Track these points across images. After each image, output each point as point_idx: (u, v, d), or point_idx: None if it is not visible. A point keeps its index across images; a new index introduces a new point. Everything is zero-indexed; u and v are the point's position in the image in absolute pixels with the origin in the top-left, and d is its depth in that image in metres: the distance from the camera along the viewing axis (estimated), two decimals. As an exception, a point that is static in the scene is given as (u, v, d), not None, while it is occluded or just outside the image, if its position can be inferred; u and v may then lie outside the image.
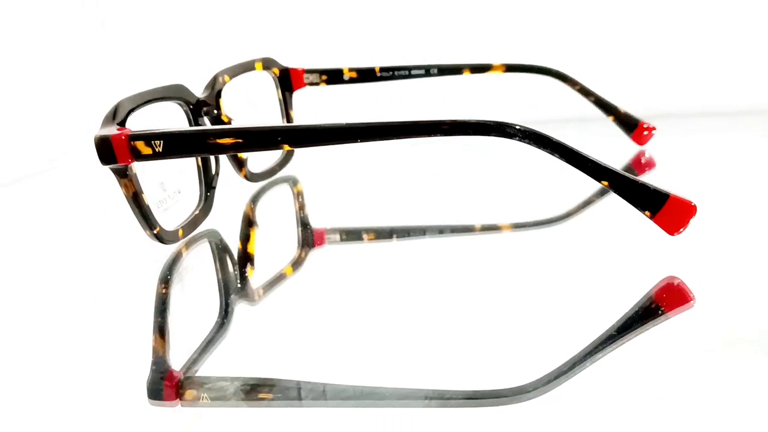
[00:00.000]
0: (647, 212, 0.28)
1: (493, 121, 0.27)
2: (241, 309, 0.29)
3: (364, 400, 0.22)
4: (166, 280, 0.31)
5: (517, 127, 0.27)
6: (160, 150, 0.29)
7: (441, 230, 0.36)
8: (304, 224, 0.39)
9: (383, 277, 0.31)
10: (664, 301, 0.26)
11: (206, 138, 0.29)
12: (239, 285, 0.31)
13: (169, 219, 0.33)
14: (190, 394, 0.23)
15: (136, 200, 0.30)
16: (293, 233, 0.38)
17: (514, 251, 0.33)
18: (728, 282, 0.28)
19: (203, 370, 0.24)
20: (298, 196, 0.43)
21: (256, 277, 0.32)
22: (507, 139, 0.27)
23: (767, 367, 0.22)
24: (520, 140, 0.27)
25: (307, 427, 0.22)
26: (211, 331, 0.27)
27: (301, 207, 0.42)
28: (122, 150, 0.29)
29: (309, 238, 0.37)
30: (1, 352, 0.28)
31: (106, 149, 0.29)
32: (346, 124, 0.28)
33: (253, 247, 0.36)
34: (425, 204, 0.40)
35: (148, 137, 0.29)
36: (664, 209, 0.27)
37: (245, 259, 0.34)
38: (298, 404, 0.22)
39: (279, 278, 0.32)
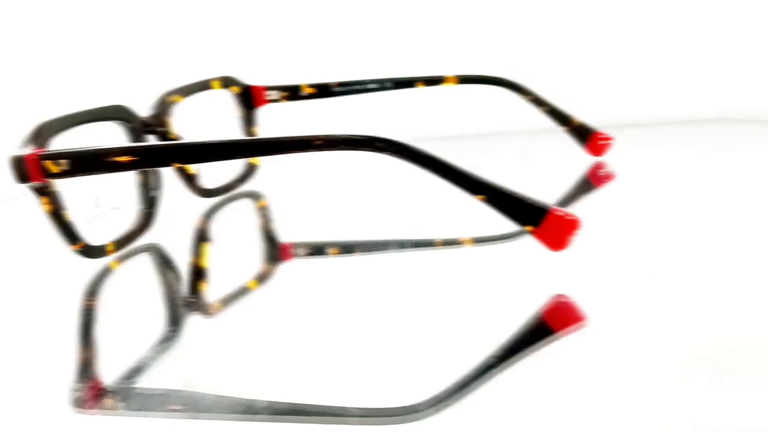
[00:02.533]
0: (528, 227, 0.27)
1: (363, 136, 0.27)
2: (192, 322, 0.30)
3: (259, 414, 0.22)
4: (92, 293, 0.32)
5: (387, 141, 0.27)
6: (66, 168, 0.30)
7: (402, 245, 0.36)
8: (269, 238, 0.40)
9: (339, 293, 0.31)
10: (555, 320, 0.26)
11: (105, 156, 0.30)
12: (191, 298, 0.32)
13: (101, 235, 0.34)
14: (108, 403, 0.24)
15: (56, 217, 0.32)
16: (256, 247, 0.38)
17: (459, 266, 0.33)
18: (636, 300, 0.27)
19: (140, 382, 0.25)
20: (262, 210, 0.43)
21: (213, 290, 0.33)
22: (378, 153, 0.27)
23: (663, 388, 0.22)
24: (390, 154, 0.27)
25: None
26: (156, 342, 0.27)
27: (266, 221, 0.42)
28: (34, 169, 0.30)
29: (275, 252, 0.37)
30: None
31: (20, 169, 0.30)
32: (230, 140, 0.28)
33: (204, 261, 0.37)
34: (389, 217, 0.40)
35: (55, 156, 0.30)
36: (544, 224, 0.27)
37: (197, 272, 0.35)
38: (207, 416, 0.23)
39: (241, 292, 0.32)
